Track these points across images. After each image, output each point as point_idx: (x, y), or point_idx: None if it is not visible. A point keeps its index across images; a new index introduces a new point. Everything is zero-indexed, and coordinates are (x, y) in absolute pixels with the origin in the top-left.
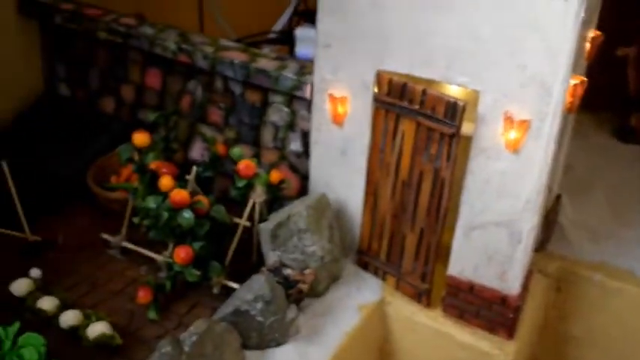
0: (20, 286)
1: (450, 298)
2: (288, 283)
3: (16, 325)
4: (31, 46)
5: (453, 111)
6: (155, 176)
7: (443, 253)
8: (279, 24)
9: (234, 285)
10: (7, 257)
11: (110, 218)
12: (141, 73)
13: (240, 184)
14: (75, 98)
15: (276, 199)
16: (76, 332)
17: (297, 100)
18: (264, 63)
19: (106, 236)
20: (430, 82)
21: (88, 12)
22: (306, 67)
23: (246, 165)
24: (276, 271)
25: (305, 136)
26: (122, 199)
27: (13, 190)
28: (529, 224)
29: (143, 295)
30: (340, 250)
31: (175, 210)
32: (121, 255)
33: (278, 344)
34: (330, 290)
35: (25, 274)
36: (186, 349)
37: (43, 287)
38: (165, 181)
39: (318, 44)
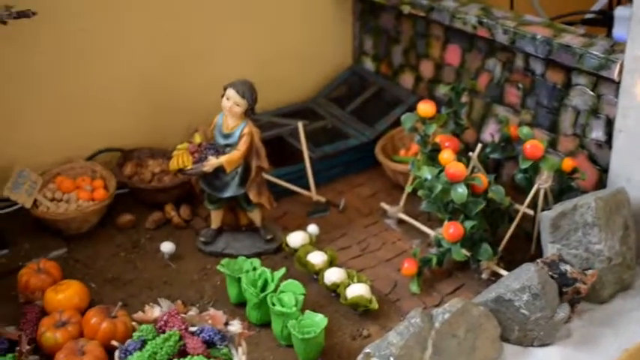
0: (296, 238)
1: None
2: (564, 281)
3: (282, 271)
4: (344, 23)
5: None
6: (437, 150)
7: None
8: (599, 3)
9: (505, 273)
10: (296, 212)
11: (393, 189)
12: (441, 49)
13: (525, 165)
14: (378, 72)
15: (567, 189)
16: (336, 289)
17: (604, 82)
18: (569, 39)
19: (384, 206)
20: None
21: None
22: (617, 45)
23: (532, 145)
24: (552, 264)
25: (610, 124)
26: (407, 173)
27: (305, 151)
28: None
29: (408, 267)
30: (635, 255)
31: (450, 184)
32: (396, 225)
33: (542, 344)
34: (615, 299)
35: (304, 229)
36: (437, 325)
37: (316, 243)
38: (446, 155)
39: (633, 18)
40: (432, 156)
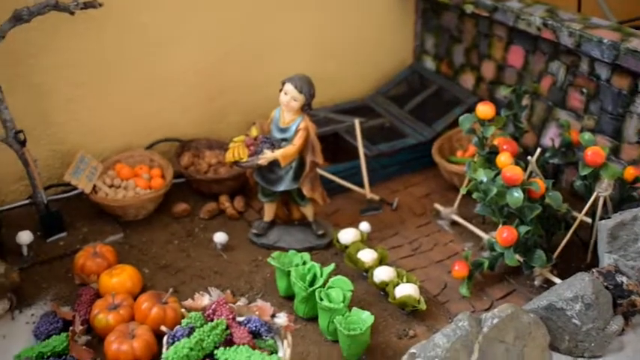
0: (348, 235)
1: None
2: (619, 292)
3: (331, 267)
4: (405, 20)
5: None
6: (495, 152)
7: None
8: None
9: (559, 281)
10: (348, 209)
11: (447, 190)
12: (504, 50)
13: (585, 171)
14: (439, 72)
15: (628, 199)
16: (384, 288)
17: None
18: (637, 43)
19: (438, 207)
20: None
21: None
22: None
23: (594, 151)
24: (608, 275)
25: None
26: (463, 174)
27: (360, 148)
28: None
29: (459, 270)
30: None
31: (506, 187)
32: (449, 227)
33: (592, 356)
34: None
35: (356, 226)
36: (485, 329)
37: (367, 241)
38: (503, 158)
39: None
40: (490, 158)
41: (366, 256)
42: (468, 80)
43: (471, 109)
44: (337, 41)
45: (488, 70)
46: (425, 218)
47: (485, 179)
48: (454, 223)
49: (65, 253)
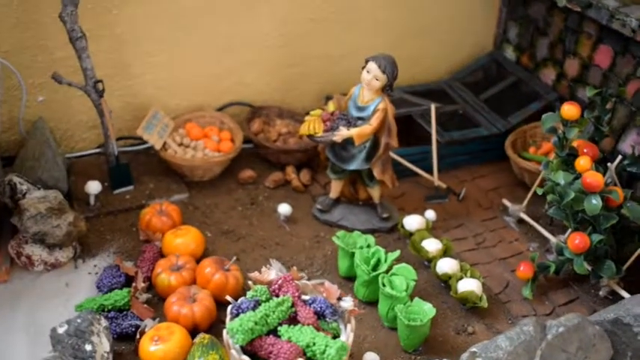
0: (413, 222)
1: None
2: None
3: (397, 253)
4: (490, 6)
5: None
6: (574, 155)
7: None
8: None
9: (626, 294)
10: (414, 194)
11: (516, 186)
12: (591, 49)
13: None
14: (519, 63)
15: None
16: (447, 281)
17: None
18: None
19: (506, 202)
20: None
21: None
22: None
23: None
24: None
25: None
26: (534, 171)
27: (434, 134)
28: None
29: (524, 270)
30: None
31: (584, 193)
32: (515, 224)
33: None
34: None
35: (421, 213)
36: (549, 336)
37: (432, 230)
38: (583, 162)
39: None
40: (568, 161)
41: (431, 245)
42: (548, 75)
43: (549, 106)
44: (418, 21)
45: (571, 67)
46: (491, 212)
47: (563, 182)
48: (521, 221)
49: (131, 207)
